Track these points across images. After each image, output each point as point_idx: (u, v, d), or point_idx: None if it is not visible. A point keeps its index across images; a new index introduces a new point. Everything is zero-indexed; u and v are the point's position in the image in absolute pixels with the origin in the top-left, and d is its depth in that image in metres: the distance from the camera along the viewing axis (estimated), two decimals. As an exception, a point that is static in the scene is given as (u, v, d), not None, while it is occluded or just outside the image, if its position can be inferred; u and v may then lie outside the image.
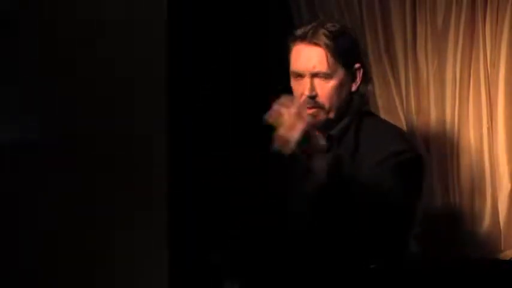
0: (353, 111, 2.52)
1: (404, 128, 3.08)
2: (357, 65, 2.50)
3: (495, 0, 3.06)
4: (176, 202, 3.00)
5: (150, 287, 3.27)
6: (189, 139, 3.25)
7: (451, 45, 3.10)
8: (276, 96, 2.44)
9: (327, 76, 2.47)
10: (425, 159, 2.59)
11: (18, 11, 3.25)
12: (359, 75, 2.51)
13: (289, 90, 2.65)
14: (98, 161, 3.23)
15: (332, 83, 2.48)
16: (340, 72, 2.49)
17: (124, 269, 3.33)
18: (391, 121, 3.05)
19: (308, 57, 2.50)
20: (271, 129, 2.64)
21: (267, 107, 2.82)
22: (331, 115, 2.49)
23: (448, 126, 3.10)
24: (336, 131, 2.49)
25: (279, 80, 2.91)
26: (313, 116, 2.47)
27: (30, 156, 3.21)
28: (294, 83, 2.53)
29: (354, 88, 2.51)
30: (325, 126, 2.49)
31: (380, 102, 3.14)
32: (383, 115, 3.07)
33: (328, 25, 2.52)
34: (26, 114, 3.25)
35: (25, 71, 3.18)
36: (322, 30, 2.48)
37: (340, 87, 2.49)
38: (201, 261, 3.15)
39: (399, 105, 3.14)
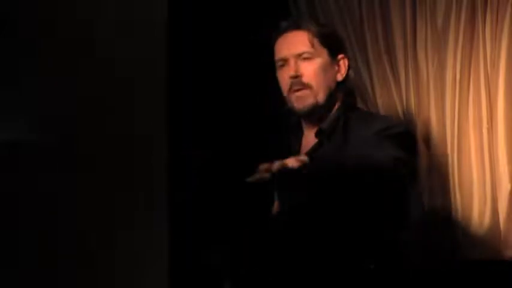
0: (341, 102, 2.54)
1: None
2: (341, 55, 2.54)
3: (495, 0, 3.06)
4: (176, 202, 3.01)
5: (150, 287, 3.27)
6: (189, 139, 3.26)
7: (451, 45, 3.10)
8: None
9: (311, 55, 2.51)
10: (413, 135, 2.60)
11: (18, 11, 3.26)
12: (344, 65, 2.54)
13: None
14: (98, 161, 3.23)
15: (317, 63, 2.52)
16: (324, 55, 2.53)
17: (124, 269, 3.33)
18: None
19: (292, 41, 2.55)
20: (271, 127, 2.66)
21: (268, 106, 2.83)
22: (320, 98, 2.51)
23: (448, 126, 3.10)
24: (326, 124, 2.51)
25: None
26: (302, 99, 2.49)
27: (30, 156, 3.21)
28: (279, 73, 2.57)
29: (339, 78, 2.54)
30: (315, 111, 2.50)
31: (380, 102, 3.14)
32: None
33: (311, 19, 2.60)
34: (25, 114, 3.25)
35: (25, 71, 3.18)
36: (305, 19, 2.54)
37: (325, 69, 2.52)
38: (201, 261, 3.15)
39: (399, 105, 3.14)
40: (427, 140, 3.11)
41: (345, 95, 2.55)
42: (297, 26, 2.56)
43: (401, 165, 2.33)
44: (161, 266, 3.24)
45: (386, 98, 3.14)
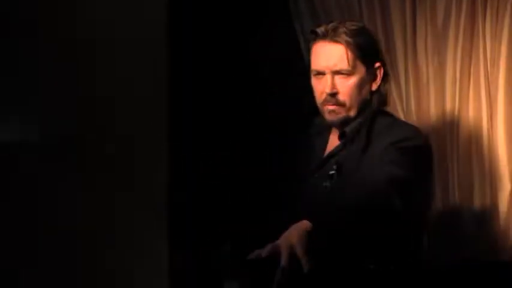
0: (370, 110, 2.53)
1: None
2: (377, 64, 2.52)
3: None
4: (176, 202, 3.01)
5: (150, 287, 3.27)
6: (189, 139, 3.26)
7: (451, 44, 3.11)
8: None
9: (348, 73, 2.49)
10: (428, 151, 2.57)
11: (18, 11, 3.26)
12: (379, 74, 2.53)
13: (287, 88, 2.66)
14: (98, 161, 3.23)
15: (353, 81, 2.50)
16: (361, 70, 2.51)
17: (124, 268, 3.33)
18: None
19: (329, 55, 2.52)
20: (271, 126, 2.65)
21: (267, 106, 2.83)
22: (352, 113, 2.52)
23: (448, 126, 3.10)
24: (350, 128, 2.51)
25: (279, 78, 2.92)
26: (335, 112, 2.49)
27: (30, 156, 3.21)
28: (314, 81, 2.56)
29: (374, 87, 2.53)
30: (344, 123, 2.51)
31: (380, 102, 3.14)
32: (383, 115, 3.08)
33: (348, 24, 2.53)
34: (25, 114, 3.26)
35: (25, 71, 3.18)
36: (342, 29, 2.50)
37: (360, 85, 2.51)
38: (201, 261, 3.15)
39: (399, 105, 3.15)
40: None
41: (377, 101, 2.52)
42: (334, 37, 2.51)
43: (395, 188, 2.32)
44: (161, 266, 3.23)
45: (387, 98, 3.14)
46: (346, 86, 2.51)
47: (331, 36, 2.52)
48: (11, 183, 3.09)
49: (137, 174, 3.17)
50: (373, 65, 2.53)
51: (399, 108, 3.14)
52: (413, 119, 3.13)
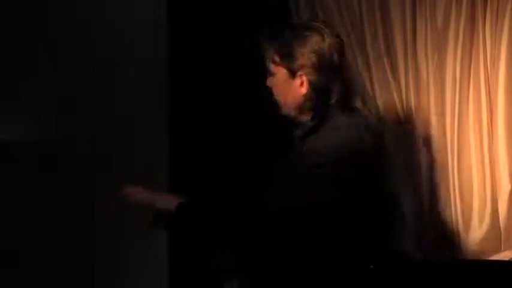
0: (315, 111, 2.51)
1: (404, 128, 3.08)
2: (300, 73, 2.50)
3: (495, 0, 3.06)
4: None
5: (150, 287, 3.27)
6: (188, 139, 3.25)
7: (451, 44, 3.10)
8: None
9: (273, 70, 2.51)
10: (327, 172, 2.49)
11: (18, 12, 3.26)
12: (305, 82, 2.50)
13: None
14: (98, 161, 3.23)
15: (273, 80, 2.52)
16: (282, 73, 2.50)
17: (124, 268, 3.33)
18: (391, 121, 3.05)
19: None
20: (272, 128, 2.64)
21: (267, 106, 2.82)
22: (289, 110, 2.51)
23: (448, 126, 3.10)
24: (299, 131, 2.51)
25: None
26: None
27: (30, 156, 3.21)
28: None
29: (303, 91, 2.51)
30: (295, 120, 2.51)
31: (380, 102, 3.14)
32: (383, 115, 3.07)
33: (293, 24, 2.55)
34: (26, 115, 3.25)
35: (25, 72, 3.18)
36: (280, 28, 2.52)
37: (280, 86, 2.51)
38: (201, 261, 3.15)
39: (399, 105, 3.14)
40: (427, 140, 3.10)
41: (320, 104, 2.50)
42: (270, 37, 2.55)
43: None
44: (161, 266, 3.24)
45: (387, 98, 3.14)
46: (272, 83, 2.54)
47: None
48: (10, 183, 3.07)
49: (137, 174, 3.16)
50: (296, 72, 2.53)
51: (399, 107, 3.14)
52: (413, 119, 3.12)
